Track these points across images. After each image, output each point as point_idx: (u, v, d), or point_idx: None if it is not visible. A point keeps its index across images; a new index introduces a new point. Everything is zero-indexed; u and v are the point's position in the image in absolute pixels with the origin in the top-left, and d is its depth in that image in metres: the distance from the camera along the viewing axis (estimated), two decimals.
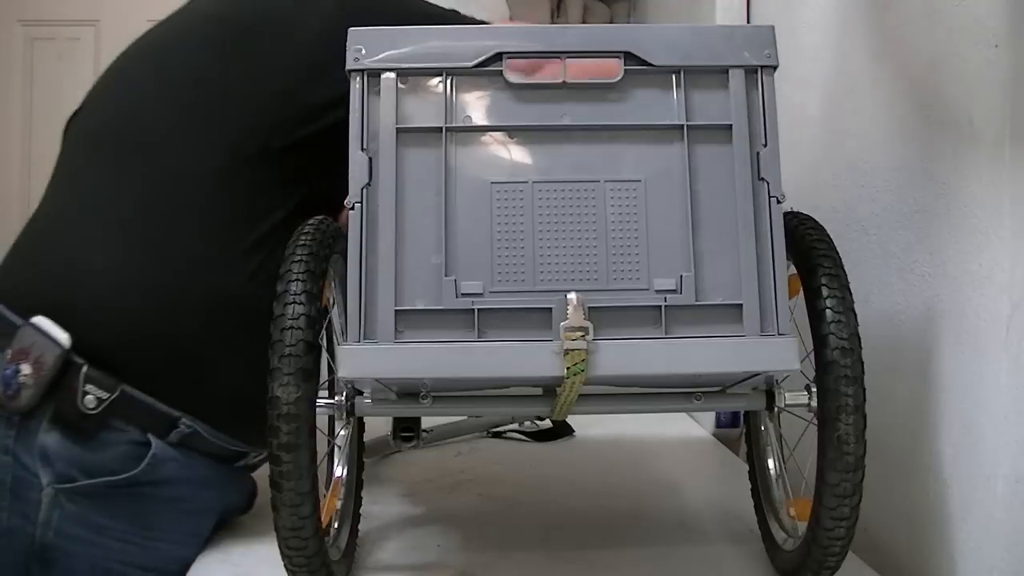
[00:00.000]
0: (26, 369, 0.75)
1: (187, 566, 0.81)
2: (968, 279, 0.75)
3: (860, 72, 0.95)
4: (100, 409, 0.76)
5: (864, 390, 0.63)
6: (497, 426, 1.30)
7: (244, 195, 0.83)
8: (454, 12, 0.90)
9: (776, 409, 0.72)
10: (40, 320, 0.77)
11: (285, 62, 0.85)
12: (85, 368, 0.76)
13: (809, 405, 0.69)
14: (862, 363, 0.64)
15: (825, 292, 0.64)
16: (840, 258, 0.66)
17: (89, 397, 0.76)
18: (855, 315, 0.64)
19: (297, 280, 0.62)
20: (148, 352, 0.79)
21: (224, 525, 0.89)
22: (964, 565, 0.75)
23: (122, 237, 0.82)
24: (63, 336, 0.77)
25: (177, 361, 0.80)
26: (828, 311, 0.63)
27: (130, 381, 0.78)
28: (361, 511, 0.84)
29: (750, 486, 0.85)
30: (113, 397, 0.76)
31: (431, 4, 0.91)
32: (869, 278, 0.90)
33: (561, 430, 1.29)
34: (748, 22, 1.33)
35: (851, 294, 0.65)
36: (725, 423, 1.31)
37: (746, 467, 0.88)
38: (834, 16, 1.02)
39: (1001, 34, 0.71)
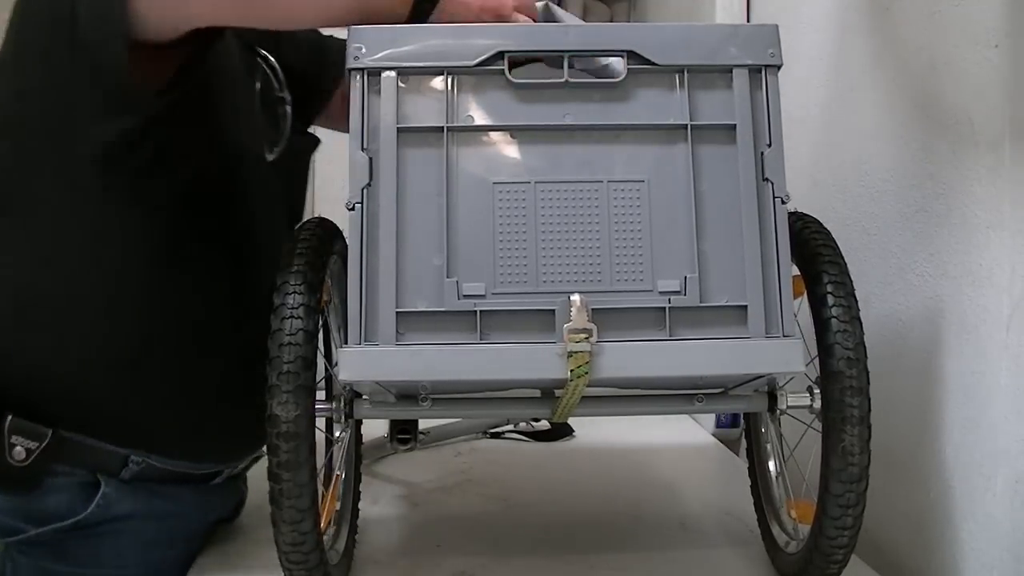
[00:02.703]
0: None
1: None
2: (968, 279, 0.75)
3: (860, 72, 0.95)
4: (31, 459, 0.72)
5: (869, 400, 0.63)
6: (494, 427, 1.29)
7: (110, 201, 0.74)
8: None
9: (778, 411, 0.72)
10: None
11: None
12: (10, 419, 0.72)
13: (811, 407, 0.69)
14: (868, 372, 0.63)
15: (831, 300, 0.64)
16: (845, 264, 0.66)
17: (17, 449, 0.72)
18: (861, 323, 0.64)
19: (294, 292, 0.61)
20: (72, 394, 0.75)
21: (216, 530, 0.88)
22: (965, 565, 0.75)
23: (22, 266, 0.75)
24: None
25: (106, 398, 0.76)
26: (834, 320, 0.63)
27: (66, 425, 0.74)
28: (360, 511, 0.84)
29: (749, 483, 0.85)
30: (43, 445, 0.73)
31: None
32: (869, 278, 0.90)
33: (561, 430, 1.29)
34: (748, 22, 1.33)
35: (857, 301, 0.64)
36: (725, 423, 1.31)
37: (746, 467, 0.88)
38: (834, 16, 1.02)
39: (1001, 34, 0.71)
